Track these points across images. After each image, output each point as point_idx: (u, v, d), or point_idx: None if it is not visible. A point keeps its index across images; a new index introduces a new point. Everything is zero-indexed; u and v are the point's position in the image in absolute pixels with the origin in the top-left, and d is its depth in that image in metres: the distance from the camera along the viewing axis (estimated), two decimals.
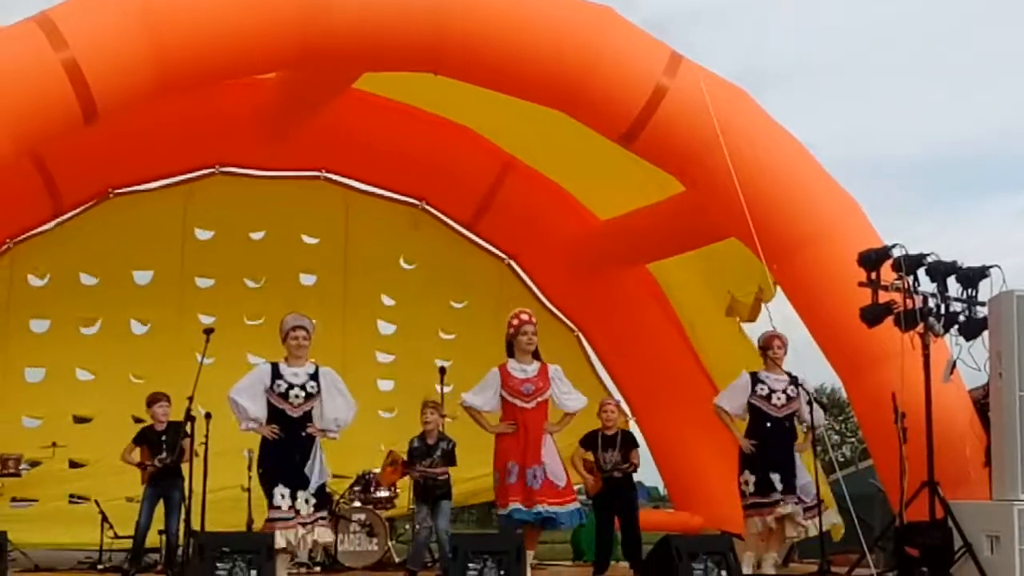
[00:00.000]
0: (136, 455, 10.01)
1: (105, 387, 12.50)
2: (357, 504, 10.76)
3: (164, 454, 9.72)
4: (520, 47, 9.57)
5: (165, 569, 9.21)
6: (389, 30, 9.31)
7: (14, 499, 11.56)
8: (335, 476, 11.21)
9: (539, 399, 8.85)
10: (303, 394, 8.45)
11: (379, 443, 12.68)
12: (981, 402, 9.69)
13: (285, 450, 8.37)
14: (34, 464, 11.86)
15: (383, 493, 10.89)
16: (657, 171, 10.71)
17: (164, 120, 11.13)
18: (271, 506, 8.34)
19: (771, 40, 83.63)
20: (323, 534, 8.54)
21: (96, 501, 10.54)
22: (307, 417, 8.48)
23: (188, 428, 8.93)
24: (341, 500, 10.83)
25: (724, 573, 8.08)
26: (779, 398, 9.71)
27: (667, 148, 10.14)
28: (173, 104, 10.36)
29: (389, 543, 10.61)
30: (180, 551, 9.21)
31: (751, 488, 9.62)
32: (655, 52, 9.94)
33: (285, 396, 8.41)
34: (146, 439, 9.99)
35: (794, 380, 9.78)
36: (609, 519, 10.08)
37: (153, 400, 10.04)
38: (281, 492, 8.31)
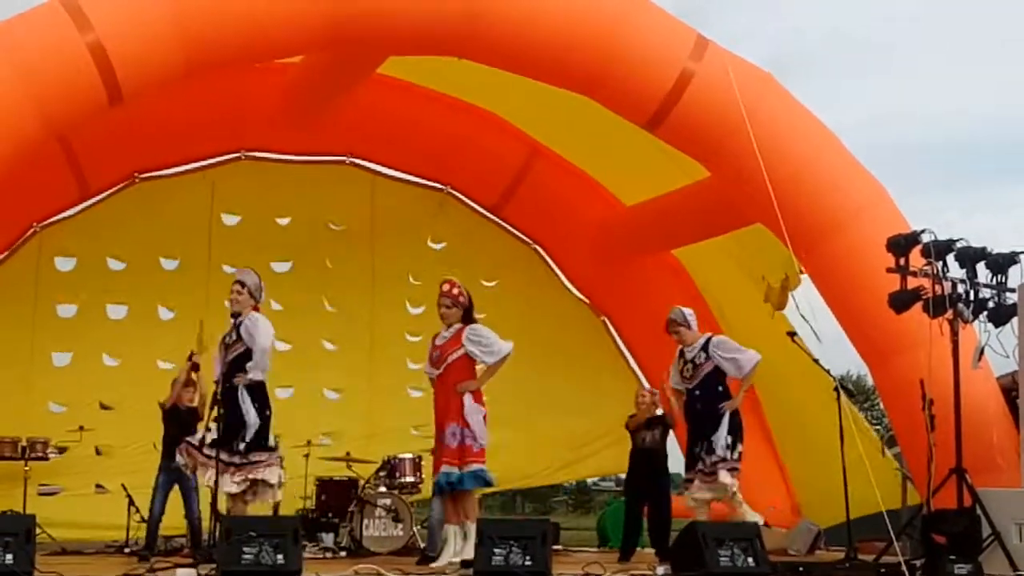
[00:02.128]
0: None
1: (132, 372, 12.53)
2: (383, 489, 10.77)
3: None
4: (545, 31, 9.53)
5: (192, 553, 9.23)
6: (414, 14, 9.29)
7: (42, 484, 11.61)
8: (362, 461, 11.30)
9: (445, 364, 8.92)
10: (224, 345, 8.71)
11: (409, 423, 12.71)
12: (1010, 389, 9.64)
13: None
14: (61, 450, 11.91)
15: (409, 478, 10.90)
16: (682, 156, 10.65)
17: (189, 104, 11.15)
18: None
19: (805, 22, 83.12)
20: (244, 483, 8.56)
21: (123, 485, 10.57)
22: (230, 367, 8.61)
23: (215, 414, 8.94)
24: (367, 485, 10.84)
25: (751, 560, 8.03)
26: (687, 369, 9.65)
27: (693, 133, 10.09)
28: (198, 88, 10.39)
29: (414, 528, 10.60)
30: (206, 535, 9.26)
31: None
32: (681, 36, 9.89)
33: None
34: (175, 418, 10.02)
35: (705, 344, 9.67)
36: (637, 505, 10.07)
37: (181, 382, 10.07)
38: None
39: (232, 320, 8.75)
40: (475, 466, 8.79)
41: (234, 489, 8.53)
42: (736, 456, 9.46)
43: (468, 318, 9.12)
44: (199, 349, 10.01)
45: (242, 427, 8.53)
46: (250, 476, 8.55)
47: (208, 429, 8.62)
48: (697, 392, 9.62)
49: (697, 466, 9.55)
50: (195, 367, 10.01)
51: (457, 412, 8.80)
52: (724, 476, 9.37)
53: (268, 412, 8.68)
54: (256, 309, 8.83)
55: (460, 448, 8.78)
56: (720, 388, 9.62)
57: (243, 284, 8.80)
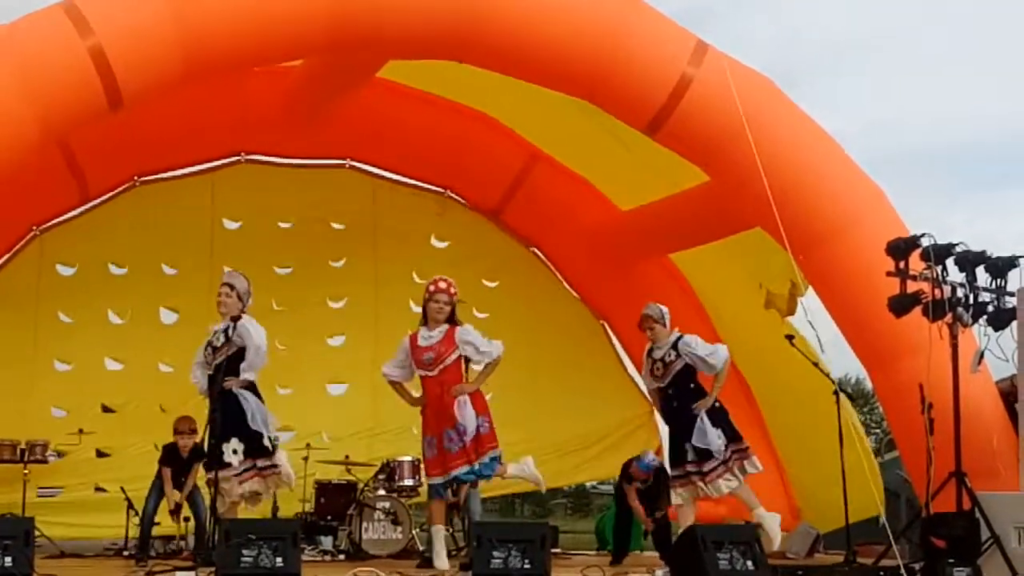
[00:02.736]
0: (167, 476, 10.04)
1: (134, 376, 12.55)
2: (381, 492, 10.78)
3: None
4: (544, 35, 9.53)
5: (192, 555, 9.24)
6: (414, 16, 9.29)
7: (41, 487, 11.62)
8: (361, 464, 11.31)
9: (441, 366, 8.79)
10: (211, 349, 8.71)
11: (411, 424, 12.68)
12: (1009, 393, 9.64)
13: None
14: (61, 454, 11.92)
15: (408, 481, 10.91)
16: (681, 161, 10.66)
17: (190, 108, 11.15)
18: None
19: (806, 27, 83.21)
20: (253, 485, 8.62)
21: (122, 488, 10.58)
22: (220, 370, 8.60)
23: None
24: (365, 488, 10.85)
25: (750, 563, 8.03)
26: (658, 368, 9.61)
27: (692, 138, 10.10)
28: (199, 92, 10.38)
29: (413, 532, 10.61)
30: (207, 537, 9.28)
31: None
32: (680, 41, 9.89)
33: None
34: (171, 460, 10.04)
35: (675, 343, 9.61)
36: (628, 510, 10.07)
37: (177, 431, 10.04)
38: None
39: (223, 324, 8.71)
40: (489, 453, 8.79)
41: (259, 489, 8.67)
42: (737, 449, 9.43)
43: (453, 318, 8.99)
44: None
45: (244, 428, 8.54)
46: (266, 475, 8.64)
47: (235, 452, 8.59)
48: (670, 391, 9.59)
49: (688, 467, 9.44)
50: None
51: (460, 411, 8.70)
52: (722, 485, 9.36)
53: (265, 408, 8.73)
54: (242, 314, 8.76)
55: (486, 435, 8.76)
56: (692, 385, 9.57)
57: (232, 287, 8.77)
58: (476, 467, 8.74)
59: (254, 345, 8.64)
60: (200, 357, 8.87)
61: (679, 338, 9.63)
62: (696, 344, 9.57)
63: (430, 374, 8.85)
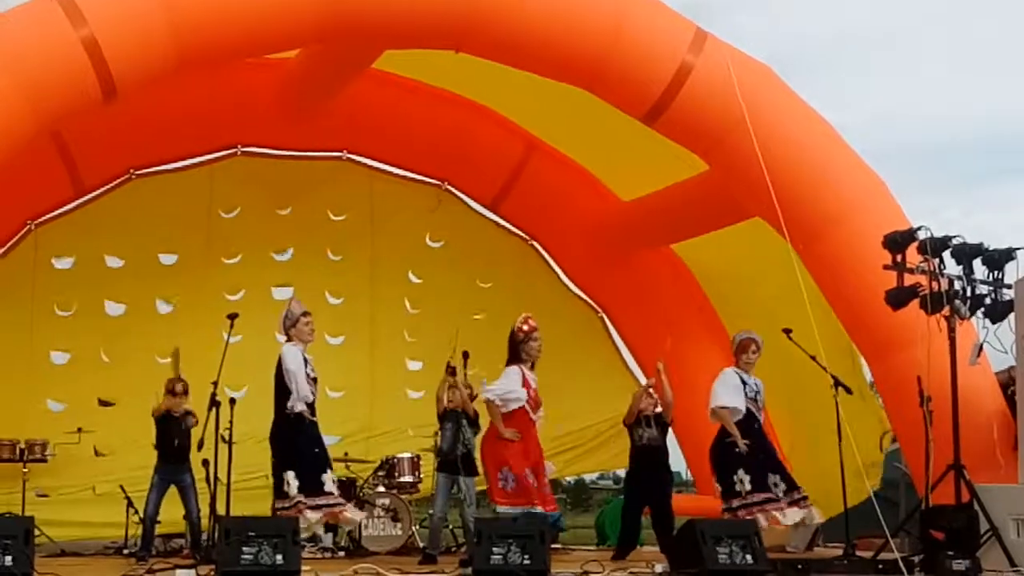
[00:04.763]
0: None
1: (131, 369, 12.50)
2: (381, 489, 10.76)
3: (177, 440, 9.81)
4: (543, 23, 9.51)
5: (191, 553, 9.23)
6: (411, 6, 9.26)
7: (38, 493, 11.57)
8: (360, 461, 11.29)
9: (539, 413, 9.17)
10: (311, 378, 8.84)
11: (407, 425, 12.69)
12: (1007, 385, 9.63)
13: (316, 432, 8.61)
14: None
15: (407, 478, 10.89)
16: (680, 150, 10.62)
17: (185, 100, 11.13)
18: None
19: (808, 22, 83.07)
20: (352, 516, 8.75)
21: (121, 486, 10.56)
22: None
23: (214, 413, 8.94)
24: (365, 485, 10.83)
25: (749, 558, 8.02)
26: (761, 399, 9.70)
27: (692, 127, 10.08)
28: (193, 83, 10.37)
29: (413, 528, 10.60)
30: (205, 535, 9.26)
31: (747, 487, 9.60)
32: (680, 29, 9.87)
33: (315, 381, 8.70)
34: (166, 427, 9.99)
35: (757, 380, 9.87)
36: (638, 504, 10.07)
37: (172, 391, 10.01)
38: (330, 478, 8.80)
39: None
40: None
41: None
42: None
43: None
44: (175, 374, 9.99)
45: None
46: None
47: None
48: (755, 425, 9.82)
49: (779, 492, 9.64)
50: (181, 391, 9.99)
51: (540, 460, 9.08)
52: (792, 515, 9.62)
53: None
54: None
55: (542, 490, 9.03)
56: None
57: (308, 314, 9.00)
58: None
59: (289, 372, 8.94)
60: (306, 380, 8.97)
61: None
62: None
63: (533, 417, 9.10)
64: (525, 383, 9.01)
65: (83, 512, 11.56)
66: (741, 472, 9.59)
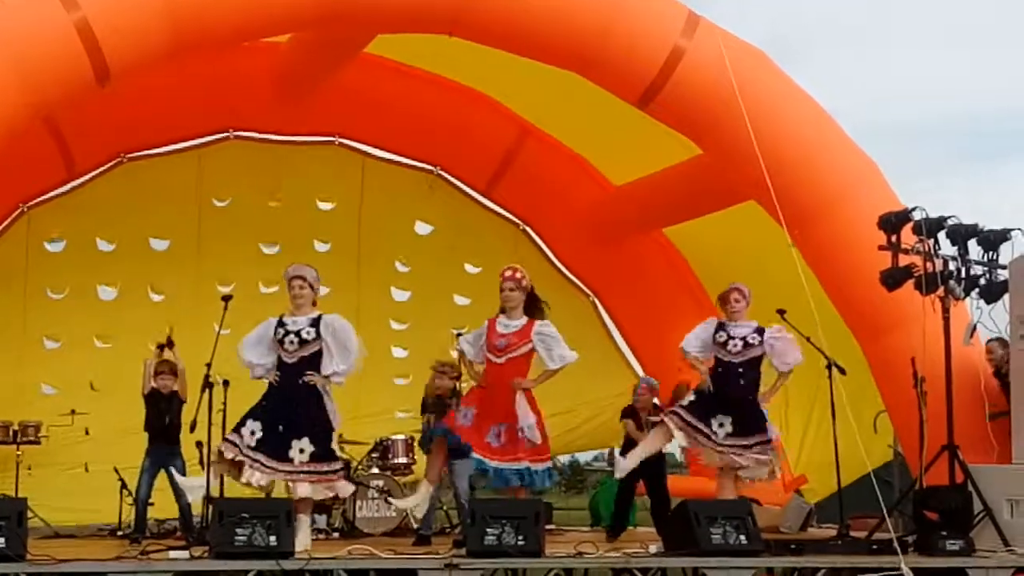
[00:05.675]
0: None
1: (122, 354, 12.47)
2: (375, 470, 10.75)
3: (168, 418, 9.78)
4: (535, 7, 9.48)
5: (184, 536, 9.22)
6: None
7: (31, 468, 11.56)
8: (352, 443, 11.27)
9: (510, 355, 8.65)
10: (297, 340, 8.38)
11: (394, 410, 12.68)
12: (1000, 367, 9.65)
13: (281, 395, 8.34)
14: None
15: (401, 459, 10.89)
16: (673, 134, 10.62)
17: (177, 84, 11.09)
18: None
19: (802, 4, 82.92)
20: (307, 490, 8.31)
21: (115, 468, 10.54)
22: (305, 364, 8.38)
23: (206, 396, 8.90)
24: (359, 466, 10.82)
25: (743, 538, 8.02)
26: (735, 345, 9.48)
27: (685, 111, 10.06)
28: (186, 67, 10.32)
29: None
30: (198, 517, 9.25)
31: (688, 417, 9.42)
32: (672, 13, 9.84)
33: (282, 343, 8.39)
34: (155, 407, 9.96)
35: (760, 331, 9.46)
36: (629, 485, 10.05)
37: (159, 372, 9.97)
38: (252, 428, 8.26)
39: (299, 315, 8.49)
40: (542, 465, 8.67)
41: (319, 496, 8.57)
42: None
43: (533, 309, 8.83)
44: (166, 342, 9.96)
45: (321, 430, 8.40)
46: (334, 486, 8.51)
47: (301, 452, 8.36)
48: (740, 369, 9.44)
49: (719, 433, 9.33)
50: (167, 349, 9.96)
51: (508, 412, 8.58)
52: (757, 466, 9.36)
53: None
54: (314, 303, 8.63)
55: (540, 446, 8.63)
56: (757, 375, 9.47)
57: (304, 279, 8.54)
58: (529, 471, 8.58)
59: (353, 353, 8.48)
60: (266, 341, 8.50)
61: (764, 328, 9.49)
62: (787, 341, 9.44)
63: (497, 361, 8.68)
64: (490, 330, 8.79)
65: (77, 497, 11.52)
66: (691, 397, 9.51)
